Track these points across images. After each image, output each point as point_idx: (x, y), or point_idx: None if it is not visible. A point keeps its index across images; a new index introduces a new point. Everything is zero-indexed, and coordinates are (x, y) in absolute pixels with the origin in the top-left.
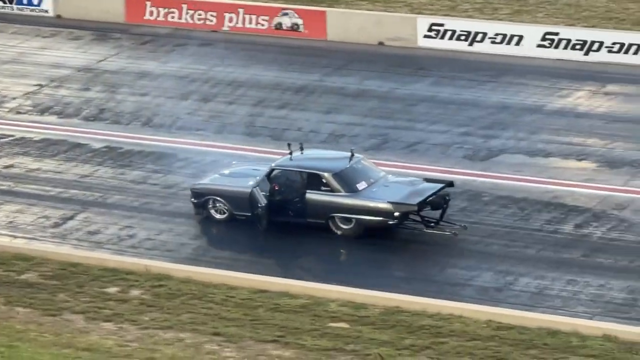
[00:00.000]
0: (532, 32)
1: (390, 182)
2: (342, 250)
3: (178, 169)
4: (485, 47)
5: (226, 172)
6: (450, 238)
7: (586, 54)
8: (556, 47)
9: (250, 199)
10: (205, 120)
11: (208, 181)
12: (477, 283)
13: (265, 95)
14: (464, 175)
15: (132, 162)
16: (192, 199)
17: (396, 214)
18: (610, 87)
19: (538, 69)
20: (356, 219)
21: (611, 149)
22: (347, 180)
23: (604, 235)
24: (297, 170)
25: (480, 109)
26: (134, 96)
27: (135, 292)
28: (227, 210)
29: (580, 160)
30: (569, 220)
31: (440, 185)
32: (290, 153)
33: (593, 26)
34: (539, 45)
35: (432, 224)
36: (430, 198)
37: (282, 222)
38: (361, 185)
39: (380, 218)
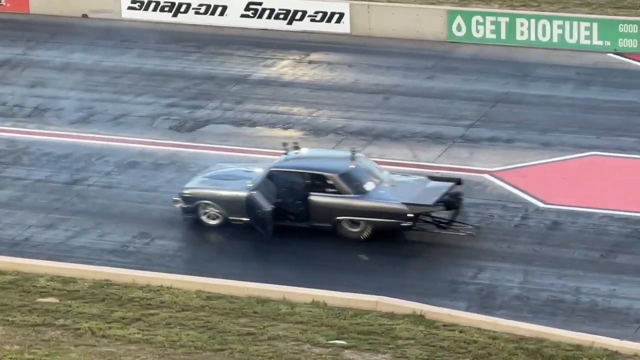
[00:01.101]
0: (236, 3)
1: (397, 181)
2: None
3: None
4: (189, 18)
5: (213, 174)
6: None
7: (289, 23)
8: (260, 17)
9: (249, 203)
10: None
11: (198, 185)
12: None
13: None
14: (171, 146)
15: None
16: (182, 205)
17: (410, 215)
18: (314, 56)
19: (243, 39)
20: (366, 221)
21: (316, 117)
22: (354, 180)
23: None
24: (299, 172)
25: (186, 80)
26: None
27: None
28: (220, 215)
29: (287, 128)
30: None
31: (450, 184)
32: (286, 153)
33: None
34: (243, 15)
35: (444, 225)
36: (444, 197)
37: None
38: (369, 186)
39: (393, 220)
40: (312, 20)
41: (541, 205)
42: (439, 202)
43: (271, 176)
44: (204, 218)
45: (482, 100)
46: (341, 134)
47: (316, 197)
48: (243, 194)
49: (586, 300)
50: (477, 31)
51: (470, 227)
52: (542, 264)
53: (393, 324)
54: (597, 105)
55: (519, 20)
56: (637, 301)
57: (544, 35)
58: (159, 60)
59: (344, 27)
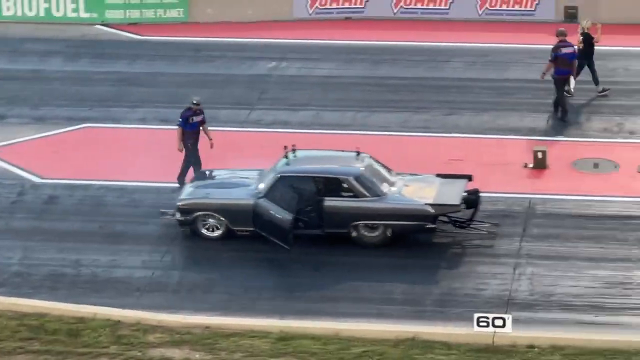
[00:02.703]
0: None
1: (408, 180)
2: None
3: None
4: None
5: (205, 182)
6: None
7: None
8: None
9: (256, 211)
10: None
11: (195, 195)
12: None
13: None
14: None
15: None
16: (179, 217)
17: (436, 216)
18: None
19: None
20: (386, 225)
21: None
22: (369, 182)
23: None
24: (310, 176)
25: None
26: None
27: None
28: (221, 226)
29: None
30: None
31: (465, 180)
32: (286, 156)
33: None
34: None
35: (464, 224)
36: (465, 195)
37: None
38: (384, 187)
39: (416, 222)
40: None
41: (37, 180)
42: (462, 201)
43: (280, 181)
44: (203, 230)
45: None
46: None
47: (331, 202)
48: (249, 202)
49: (87, 272)
50: None
51: (488, 224)
52: (42, 239)
53: None
54: (88, 77)
55: None
56: (136, 270)
57: (30, 10)
58: None
59: None
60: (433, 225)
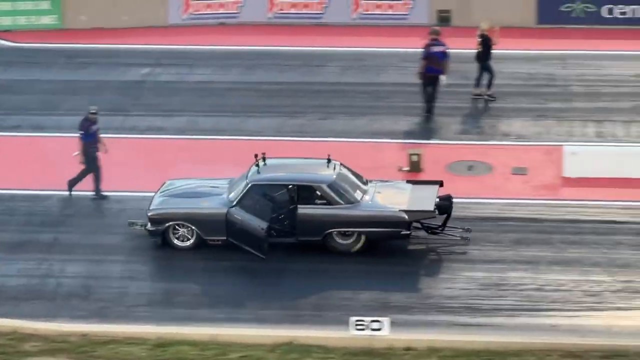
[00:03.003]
0: None
1: (380, 187)
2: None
3: None
4: None
5: (175, 192)
6: None
7: None
8: None
9: (229, 220)
10: None
11: (166, 205)
12: None
13: None
14: None
15: None
16: (149, 227)
17: (411, 222)
18: None
19: None
20: (360, 232)
21: None
22: (343, 189)
23: None
24: (283, 184)
25: None
26: None
27: None
28: (193, 235)
29: None
30: None
31: (437, 186)
32: (257, 165)
33: None
34: None
35: (438, 230)
36: (437, 201)
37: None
38: (358, 195)
39: (391, 229)
40: None
41: None
42: (436, 207)
43: (251, 190)
44: (175, 241)
45: None
46: None
47: (305, 210)
48: (222, 211)
49: None
50: None
51: (461, 230)
52: None
53: None
54: None
55: None
56: (11, 278)
57: None
58: None
59: None
60: (408, 232)
